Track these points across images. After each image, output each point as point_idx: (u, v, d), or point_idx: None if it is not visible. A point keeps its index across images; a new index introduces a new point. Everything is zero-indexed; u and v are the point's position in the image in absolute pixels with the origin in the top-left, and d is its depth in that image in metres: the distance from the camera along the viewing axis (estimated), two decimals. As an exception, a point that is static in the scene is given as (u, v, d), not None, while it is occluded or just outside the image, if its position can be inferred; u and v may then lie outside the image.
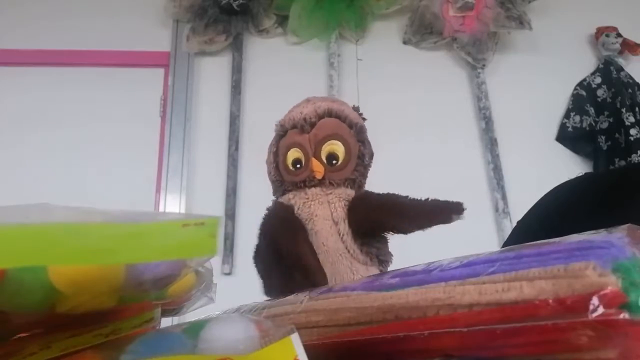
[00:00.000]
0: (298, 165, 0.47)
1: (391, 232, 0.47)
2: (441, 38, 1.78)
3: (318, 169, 0.46)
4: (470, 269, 0.23)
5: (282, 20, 1.80)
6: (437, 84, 1.78)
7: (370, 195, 0.48)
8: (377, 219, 0.46)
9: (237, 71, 1.72)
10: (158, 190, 1.62)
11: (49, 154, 1.63)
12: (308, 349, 0.21)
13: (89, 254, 0.18)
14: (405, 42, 1.84)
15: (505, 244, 0.58)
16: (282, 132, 0.49)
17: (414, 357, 0.24)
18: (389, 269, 0.47)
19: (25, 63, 1.75)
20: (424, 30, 1.80)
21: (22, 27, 1.78)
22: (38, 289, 0.20)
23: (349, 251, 0.45)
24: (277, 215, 0.47)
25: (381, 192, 0.48)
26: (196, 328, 0.22)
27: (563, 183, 0.52)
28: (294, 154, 0.47)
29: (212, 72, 1.76)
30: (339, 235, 0.45)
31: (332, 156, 0.47)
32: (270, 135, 0.51)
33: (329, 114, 0.47)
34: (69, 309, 0.22)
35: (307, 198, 0.46)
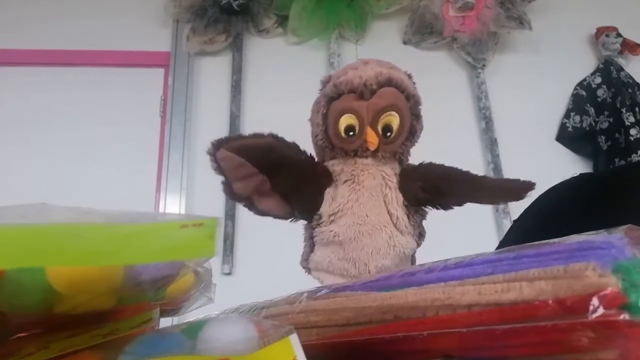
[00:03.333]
0: (351, 133, 0.44)
1: (453, 204, 0.47)
2: (441, 38, 1.78)
3: (373, 140, 0.44)
4: (470, 269, 0.23)
5: (282, 20, 1.79)
6: (437, 84, 1.78)
7: (433, 164, 0.48)
8: (445, 186, 0.46)
9: (237, 71, 1.72)
10: (158, 191, 1.62)
11: (49, 153, 1.63)
12: (307, 349, 0.21)
13: (88, 254, 0.18)
14: (405, 42, 1.84)
15: (501, 244, 0.58)
16: (335, 94, 0.45)
17: (413, 357, 0.24)
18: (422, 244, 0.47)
19: (25, 63, 1.75)
20: (424, 31, 1.80)
21: (22, 27, 1.78)
22: (36, 289, 0.20)
23: (393, 222, 0.44)
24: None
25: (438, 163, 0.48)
26: (195, 328, 0.22)
27: (558, 183, 0.53)
28: (347, 119, 0.44)
29: (212, 72, 1.76)
30: (386, 205, 0.44)
31: (387, 128, 0.44)
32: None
33: (389, 82, 0.44)
34: (67, 309, 0.22)
35: (357, 167, 0.45)
